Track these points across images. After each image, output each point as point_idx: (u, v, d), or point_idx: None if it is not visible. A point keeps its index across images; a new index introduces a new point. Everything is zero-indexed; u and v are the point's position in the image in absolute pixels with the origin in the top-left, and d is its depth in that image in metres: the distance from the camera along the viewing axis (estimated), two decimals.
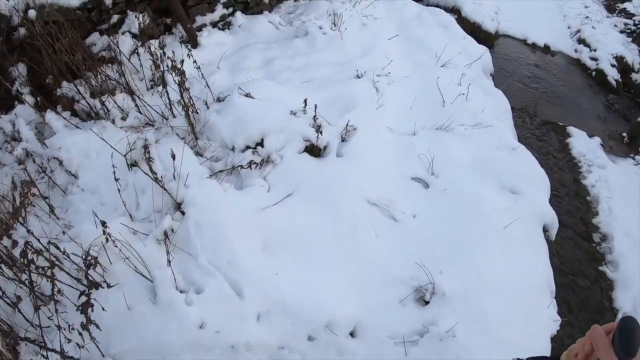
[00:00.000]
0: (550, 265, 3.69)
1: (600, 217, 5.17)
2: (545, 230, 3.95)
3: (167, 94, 3.55)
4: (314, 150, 3.53)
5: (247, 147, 3.41)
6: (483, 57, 6.21)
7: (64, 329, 2.27)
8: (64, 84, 3.78)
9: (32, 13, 3.57)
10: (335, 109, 4.19)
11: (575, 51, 8.52)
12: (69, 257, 2.63)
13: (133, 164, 3.26)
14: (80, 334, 2.24)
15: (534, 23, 8.68)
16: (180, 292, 2.71)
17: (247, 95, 3.60)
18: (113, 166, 2.89)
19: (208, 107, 3.52)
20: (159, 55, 3.50)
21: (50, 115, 3.55)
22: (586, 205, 5.33)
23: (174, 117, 3.67)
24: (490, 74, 6.67)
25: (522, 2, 9.46)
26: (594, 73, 7.99)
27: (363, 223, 3.30)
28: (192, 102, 3.44)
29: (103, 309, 2.45)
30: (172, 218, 2.91)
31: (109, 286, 2.41)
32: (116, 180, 2.90)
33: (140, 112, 3.70)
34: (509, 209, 3.67)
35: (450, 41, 6.14)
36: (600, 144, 6.30)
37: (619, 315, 4.49)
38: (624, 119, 7.25)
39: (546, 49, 8.22)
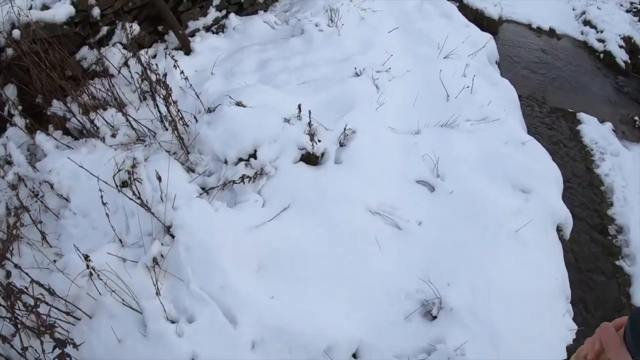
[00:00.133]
0: (565, 264, 3.36)
1: (615, 208, 4.76)
2: (559, 229, 3.59)
3: (158, 107, 3.28)
4: (310, 159, 3.23)
5: (240, 160, 3.12)
6: (487, 45, 5.75)
7: None
8: (55, 102, 3.53)
9: (16, 33, 3.32)
10: (334, 111, 3.86)
11: (582, 33, 7.93)
12: (54, 294, 2.41)
13: (123, 184, 3.01)
14: None
15: (537, 6, 8.10)
16: (172, 322, 2.46)
17: (239, 104, 3.30)
18: (100, 190, 2.65)
19: (197, 120, 3.22)
20: (147, 66, 3.22)
21: (40, 137, 3.31)
22: (600, 196, 4.92)
23: (166, 129, 3.40)
24: (496, 62, 6.21)
25: None
26: (601, 55, 7.42)
27: (364, 235, 3.00)
28: (181, 116, 3.16)
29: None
30: (162, 243, 2.66)
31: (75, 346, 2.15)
32: (104, 204, 2.66)
33: (132, 127, 3.43)
34: (520, 210, 3.33)
35: (453, 30, 5.71)
36: (612, 130, 5.83)
37: None
38: (635, 102, 6.73)
39: (551, 32, 7.67)
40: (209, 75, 4.18)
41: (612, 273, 4.29)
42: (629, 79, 7.18)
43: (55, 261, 2.82)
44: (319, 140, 3.03)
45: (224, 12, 4.94)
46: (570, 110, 6.01)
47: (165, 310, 2.44)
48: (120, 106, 3.46)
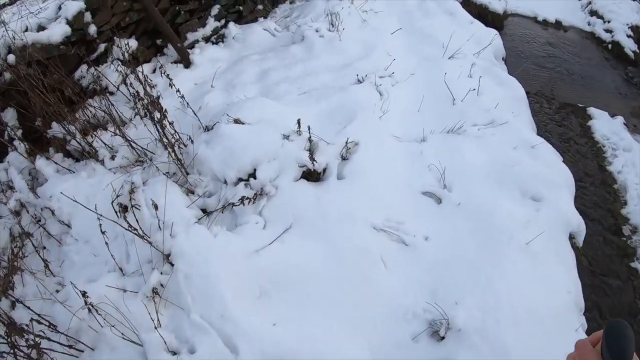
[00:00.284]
0: (578, 269, 3.17)
1: (629, 207, 4.52)
2: (571, 237, 3.39)
3: (156, 126, 3.14)
4: (312, 175, 3.07)
5: (240, 180, 2.97)
6: (493, 42, 5.51)
7: None
8: (54, 124, 3.42)
9: (11, 58, 3.20)
10: (336, 122, 3.69)
11: (588, 24, 7.57)
12: (55, 329, 2.32)
13: (124, 209, 2.89)
14: None
15: None
16: (173, 353, 2.35)
17: (237, 120, 3.14)
18: (99, 218, 2.54)
19: (192, 142, 3.08)
20: (144, 83, 3.08)
21: (40, 162, 3.21)
22: (614, 195, 4.67)
23: (166, 148, 3.26)
24: (502, 58, 5.95)
25: None
26: (609, 46, 7.07)
27: (369, 254, 2.84)
28: (178, 137, 3.01)
29: None
30: (161, 272, 2.54)
31: None
32: (103, 233, 2.55)
33: (132, 146, 3.30)
34: (530, 221, 3.13)
35: (457, 28, 5.47)
36: (624, 124, 5.54)
37: None
38: None
39: (558, 24, 7.33)
40: (209, 89, 4.03)
41: (627, 276, 4.07)
42: (638, 69, 6.84)
43: (58, 291, 2.74)
44: (316, 161, 2.86)
45: (222, 21, 4.76)
46: (580, 105, 5.73)
47: (165, 342, 2.33)
48: (120, 125, 3.33)
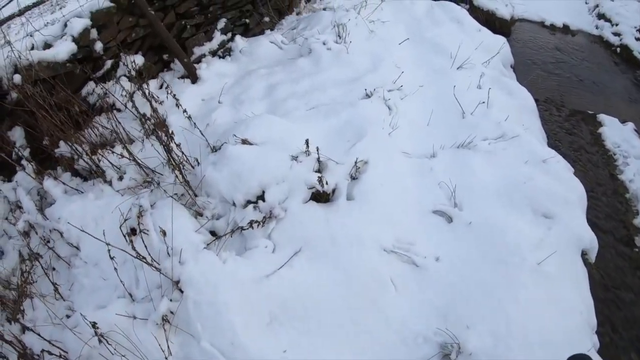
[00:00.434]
0: (590, 285, 3.12)
1: None
2: (583, 253, 3.31)
3: (164, 148, 3.09)
4: (321, 196, 3.01)
5: (248, 202, 2.92)
6: (502, 50, 5.42)
7: None
8: (62, 143, 3.39)
9: (17, 78, 3.17)
10: (345, 139, 3.62)
11: (596, 28, 7.42)
12: (66, 359, 2.29)
13: (132, 232, 2.85)
14: None
15: (549, 3, 7.61)
16: None
17: (244, 141, 3.09)
18: (107, 244, 2.49)
19: (199, 164, 3.03)
20: (151, 100, 3.04)
21: (48, 183, 3.18)
22: (626, 205, 4.57)
23: (173, 170, 3.22)
24: (511, 66, 5.86)
25: None
26: (618, 49, 6.93)
27: (379, 277, 2.78)
28: (185, 159, 2.97)
29: None
30: (170, 299, 2.50)
31: None
32: (112, 259, 2.51)
33: (140, 165, 3.26)
34: (543, 240, 3.06)
35: (465, 37, 5.38)
36: (635, 130, 5.42)
37: None
38: None
39: (565, 29, 7.20)
40: (216, 105, 3.98)
41: None
42: None
43: (68, 316, 2.71)
44: (327, 182, 2.80)
45: (229, 34, 4.71)
46: (590, 112, 5.62)
47: None
48: (127, 143, 3.29)
